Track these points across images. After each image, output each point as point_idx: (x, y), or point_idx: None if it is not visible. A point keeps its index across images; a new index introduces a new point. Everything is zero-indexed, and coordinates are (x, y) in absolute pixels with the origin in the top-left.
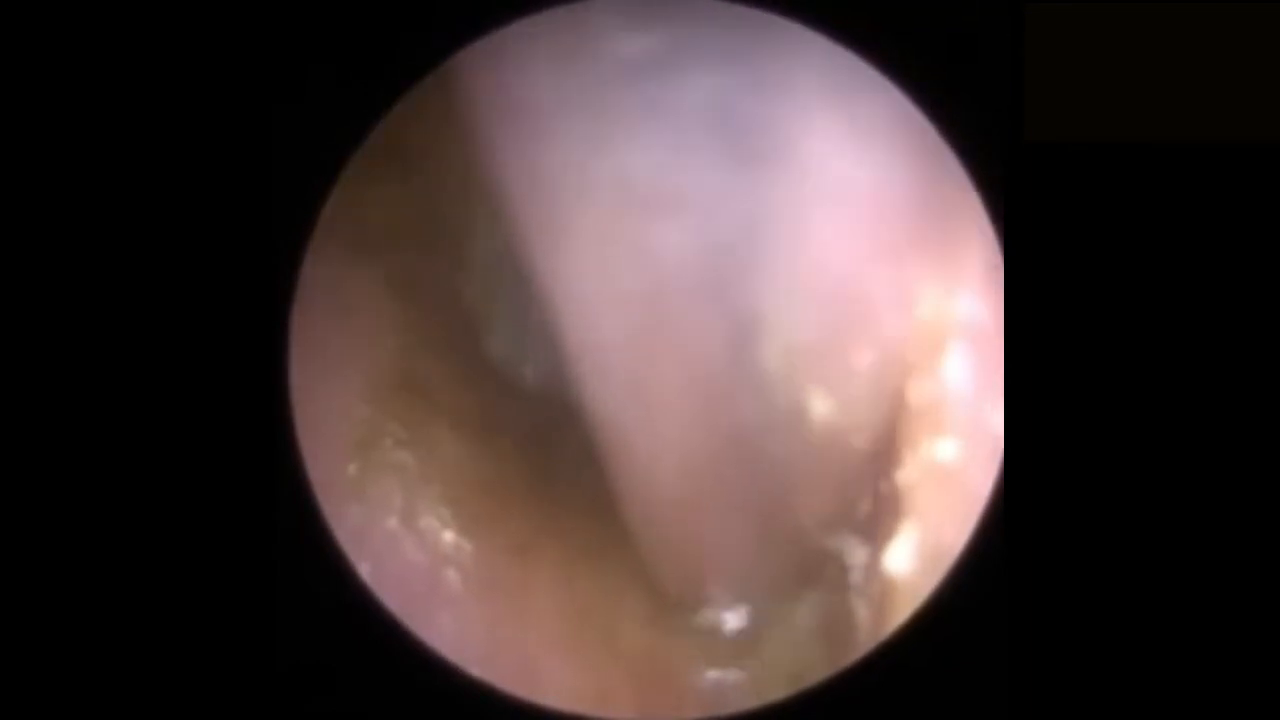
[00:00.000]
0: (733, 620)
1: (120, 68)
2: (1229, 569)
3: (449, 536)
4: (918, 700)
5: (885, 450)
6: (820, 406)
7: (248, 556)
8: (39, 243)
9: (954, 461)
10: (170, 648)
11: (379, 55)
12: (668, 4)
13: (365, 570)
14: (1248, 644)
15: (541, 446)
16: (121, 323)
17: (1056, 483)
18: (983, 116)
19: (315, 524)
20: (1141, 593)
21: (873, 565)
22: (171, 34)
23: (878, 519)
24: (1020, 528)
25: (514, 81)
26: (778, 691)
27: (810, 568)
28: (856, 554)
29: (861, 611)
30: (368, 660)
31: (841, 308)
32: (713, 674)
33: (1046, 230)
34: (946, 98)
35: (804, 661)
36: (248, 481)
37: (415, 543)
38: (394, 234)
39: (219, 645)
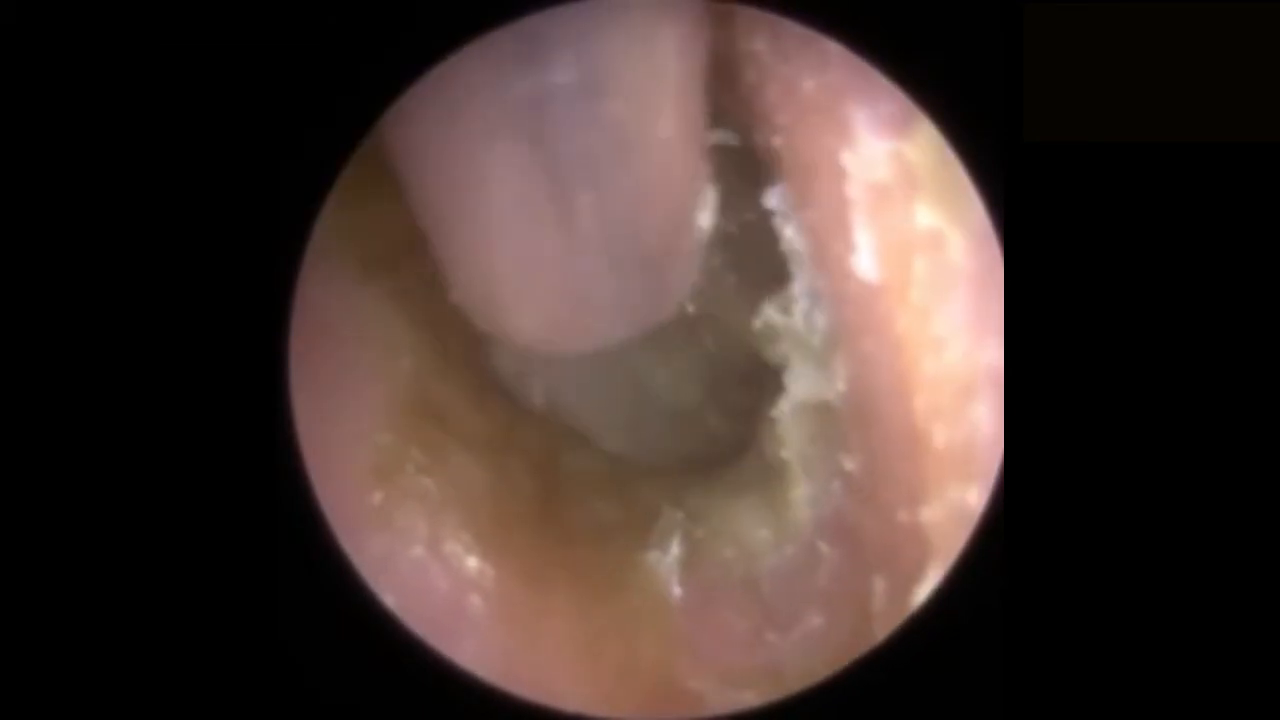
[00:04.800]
0: None
1: (115, 74)
2: (1226, 572)
3: (472, 562)
4: (917, 700)
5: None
6: None
7: (251, 583)
8: (42, 261)
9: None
10: (182, 680)
11: (373, 57)
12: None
13: (392, 599)
14: (1245, 647)
15: (551, 469)
16: (115, 342)
17: (1055, 485)
18: (982, 116)
19: (323, 549)
20: (1140, 597)
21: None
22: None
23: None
24: (1019, 530)
25: None
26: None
27: None
28: None
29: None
30: (383, 684)
31: None
32: (727, 696)
33: (1046, 230)
34: (946, 98)
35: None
36: (251, 509)
37: (440, 569)
38: (402, 253)
39: (230, 677)
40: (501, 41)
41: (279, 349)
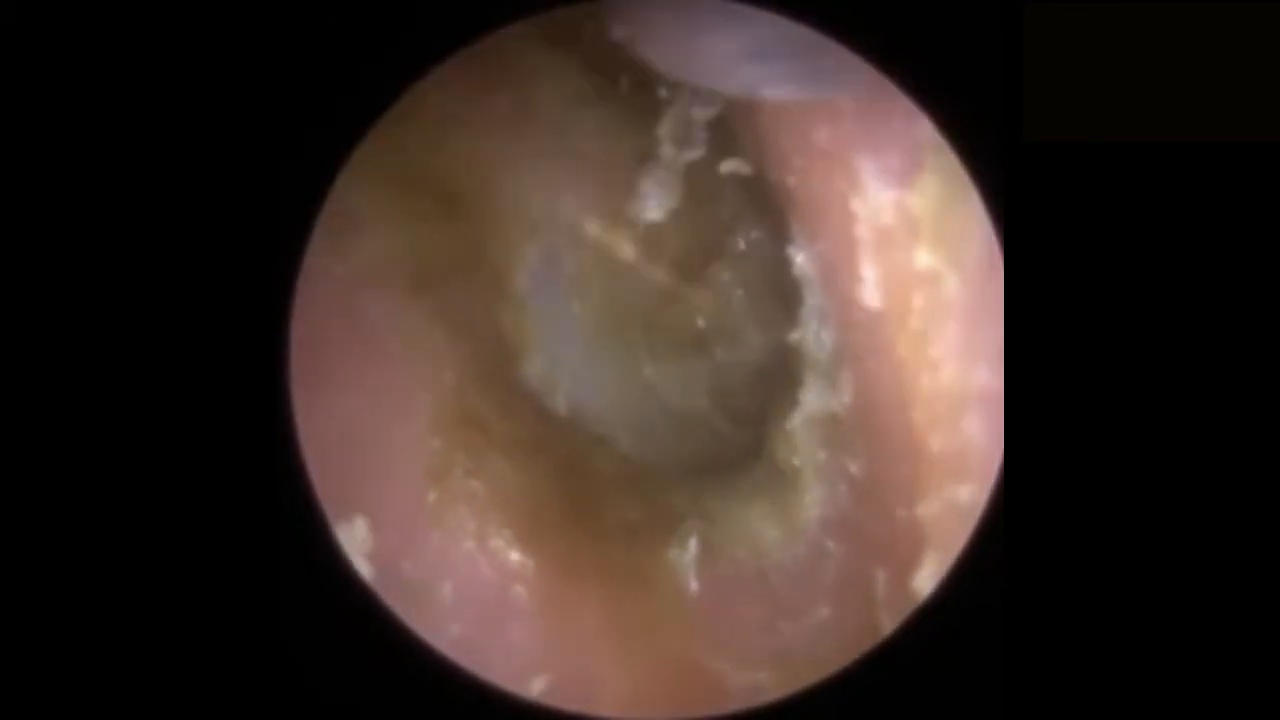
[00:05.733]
0: None
1: (116, 74)
2: (1226, 574)
3: (514, 556)
4: (916, 700)
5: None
6: None
7: (251, 583)
8: (44, 263)
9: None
10: (183, 679)
11: (373, 57)
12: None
13: (449, 588)
14: (1243, 649)
15: (579, 473)
16: (112, 337)
17: (1055, 484)
18: (982, 116)
19: (324, 549)
20: (1139, 598)
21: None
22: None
23: None
24: (1019, 530)
25: None
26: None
27: None
28: None
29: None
30: (383, 684)
31: None
32: (745, 677)
33: (1046, 229)
34: (947, 98)
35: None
36: (251, 509)
37: (487, 562)
38: (445, 273)
39: (230, 676)
40: None
41: (278, 347)
